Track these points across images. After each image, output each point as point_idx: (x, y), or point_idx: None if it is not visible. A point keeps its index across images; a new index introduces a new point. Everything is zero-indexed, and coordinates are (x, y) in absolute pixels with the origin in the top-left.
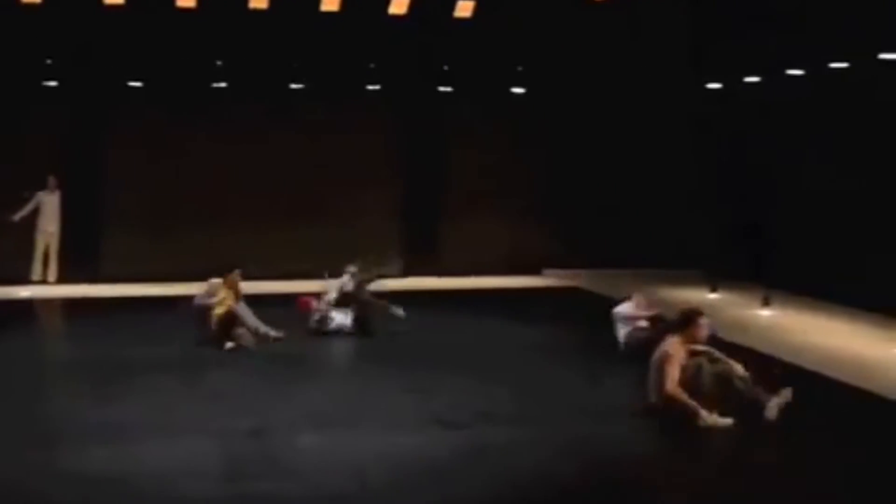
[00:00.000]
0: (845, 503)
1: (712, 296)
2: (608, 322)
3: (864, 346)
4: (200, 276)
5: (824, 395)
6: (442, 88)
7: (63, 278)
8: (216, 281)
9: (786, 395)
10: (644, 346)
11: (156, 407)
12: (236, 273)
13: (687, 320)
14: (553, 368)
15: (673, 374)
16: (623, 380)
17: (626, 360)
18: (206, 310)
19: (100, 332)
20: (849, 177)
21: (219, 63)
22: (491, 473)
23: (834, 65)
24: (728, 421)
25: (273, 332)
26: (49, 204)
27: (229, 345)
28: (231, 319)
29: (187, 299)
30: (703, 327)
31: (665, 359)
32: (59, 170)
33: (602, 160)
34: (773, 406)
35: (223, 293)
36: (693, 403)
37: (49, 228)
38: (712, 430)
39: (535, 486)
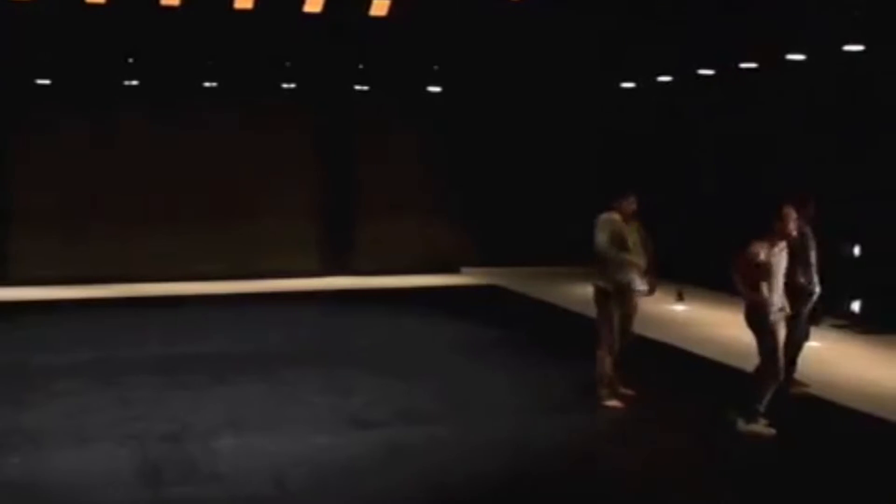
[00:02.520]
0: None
1: None
2: (526, 319)
3: None
4: (113, 279)
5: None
6: (357, 87)
7: None
8: None
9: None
10: None
11: (68, 413)
12: None
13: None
14: (471, 366)
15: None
16: (541, 376)
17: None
18: None
19: (8, 337)
20: (756, 174)
21: (130, 61)
22: (409, 472)
23: (743, 65)
24: (771, 431)
25: None
26: None
27: None
28: None
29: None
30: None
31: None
32: None
33: (519, 159)
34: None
35: None
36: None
37: None
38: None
39: (453, 484)
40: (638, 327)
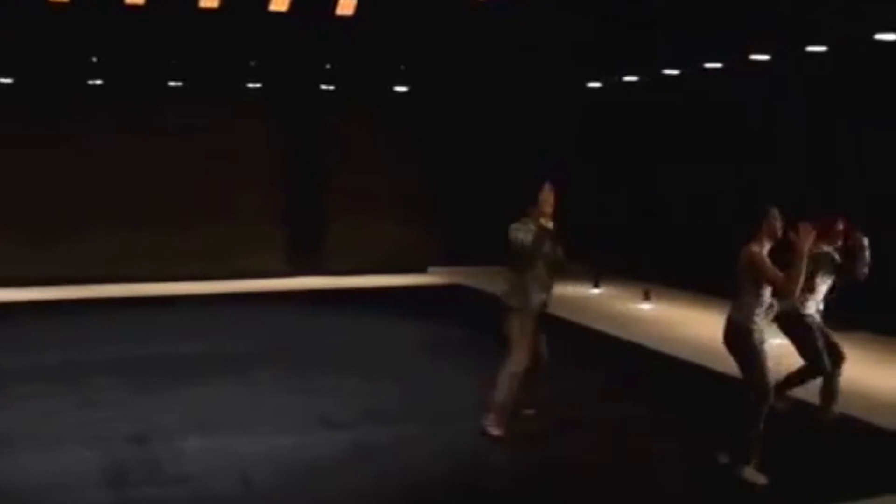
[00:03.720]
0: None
1: (595, 291)
2: (492, 318)
3: None
4: (77, 280)
5: (699, 383)
6: (324, 87)
7: None
8: None
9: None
10: None
11: (32, 416)
12: None
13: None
14: (438, 365)
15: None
16: None
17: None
18: None
19: None
20: (722, 174)
21: (94, 60)
22: (376, 472)
23: (708, 65)
24: (763, 481)
25: None
26: None
27: None
28: None
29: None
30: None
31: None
32: None
33: (485, 158)
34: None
35: None
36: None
37: None
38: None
39: (420, 483)
40: (606, 326)
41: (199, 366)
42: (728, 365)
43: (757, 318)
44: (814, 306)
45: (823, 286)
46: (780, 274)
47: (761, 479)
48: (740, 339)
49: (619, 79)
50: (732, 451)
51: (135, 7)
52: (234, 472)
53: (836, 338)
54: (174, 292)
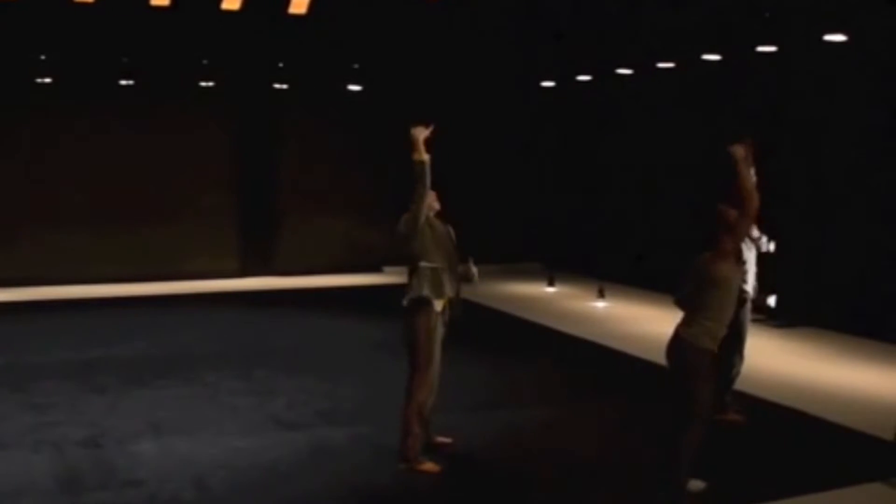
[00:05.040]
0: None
1: (550, 289)
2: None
3: None
4: (20, 281)
5: (653, 380)
6: (277, 86)
7: None
8: None
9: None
10: None
11: None
12: None
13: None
14: (394, 365)
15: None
16: (463, 374)
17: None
18: None
19: None
20: (677, 173)
21: (42, 58)
22: (331, 473)
23: (661, 64)
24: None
25: None
26: None
27: None
28: None
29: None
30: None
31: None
32: None
33: (440, 157)
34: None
35: None
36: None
37: None
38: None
39: (377, 484)
40: (560, 324)
41: (150, 368)
42: None
43: (715, 343)
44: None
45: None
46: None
47: (700, 485)
48: (696, 363)
49: (573, 78)
50: (669, 486)
51: (84, 4)
52: (189, 475)
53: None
54: (123, 294)
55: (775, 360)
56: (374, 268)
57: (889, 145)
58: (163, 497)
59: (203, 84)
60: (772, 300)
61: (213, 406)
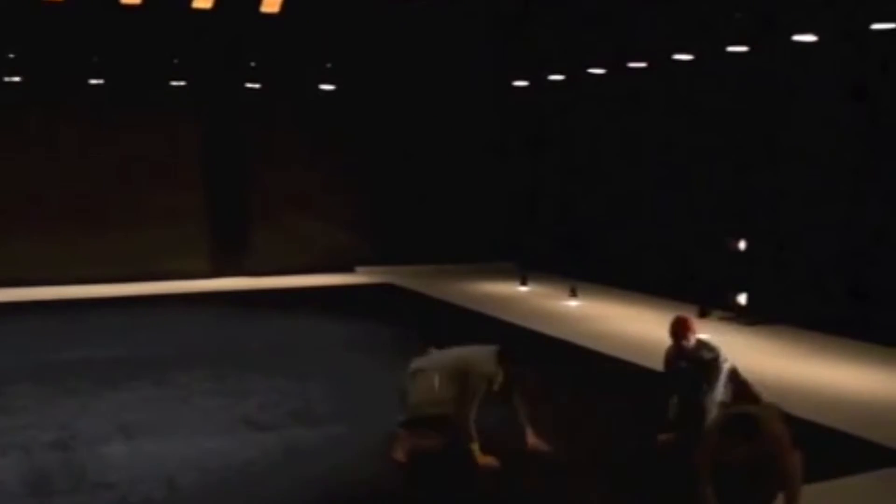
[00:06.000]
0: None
1: (523, 288)
2: (420, 317)
3: (660, 330)
4: None
5: (626, 379)
6: (249, 85)
7: None
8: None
9: None
10: None
11: None
12: None
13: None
14: (366, 365)
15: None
16: None
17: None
18: None
19: None
20: (649, 173)
21: (11, 56)
22: (302, 474)
23: (633, 64)
24: None
25: None
26: None
27: None
28: None
29: None
30: None
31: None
32: None
33: (412, 156)
34: None
35: None
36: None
37: None
38: None
39: (349, 485)
40: (533, 323)
41: (121, 370)
42: (655, 361)
43: None
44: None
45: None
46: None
47: None
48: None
49: (545, 77)
50: None
51: (54, 3)
52: (161, 477)
53: None
54: (93, 295)
55: (746, 358)
56: (347, 268)
57: (858, 145)
58: (134, 499)
59: (174, 83)
60: (742, 298)
61: (184, 407)
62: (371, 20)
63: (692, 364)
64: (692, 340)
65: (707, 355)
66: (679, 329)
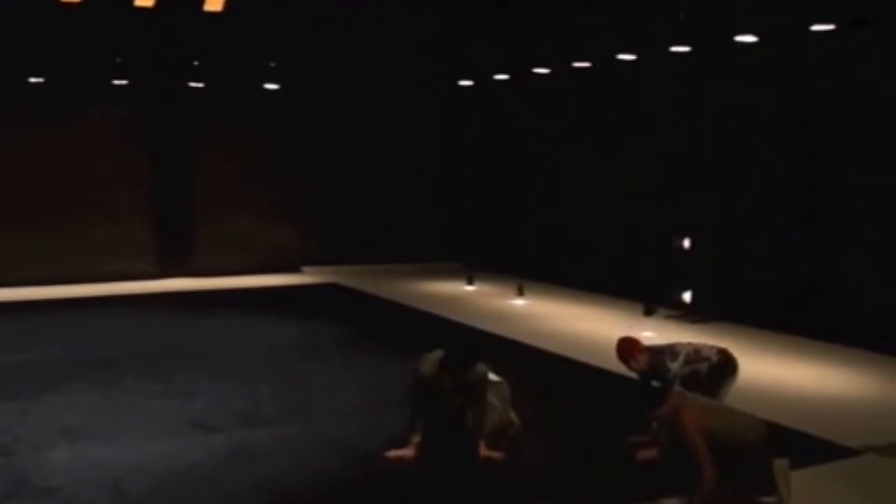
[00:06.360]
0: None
1: (469, 287)
2: (366, 316)
3: (607, 328)
4: None
5: (574, 377)
6: (193, 84)
7: None
8: None
9: None
10: None
11: None
12: None
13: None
14: (313, 365)
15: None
16: (383, 374)
17: (384, 354)
18: None
19: None
20: (591, 173)
21: None
22: (250, 476)
23: (577, 64)
24: None
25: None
26: None
27: None
28: None
29: None
30: None
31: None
32: None
33: (358, 156)
34: None
35: None
36: None
37: None
38: None
39: (298, 486)
40: (480, 322)
41: (64, 373)
42: (602, 359)
43: None
44: None
45: None
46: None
47: None
48: None
49: (490, 77)
50: None
51: None
52: (106, 481)
53: None
54: (35, 297)
55: None
56: (293, 268)
57: (799, 142)
58: None
59: (117, 82)
60: (687, 296)
61: (129, 410)
62: (315, 19)
63: (659, 380)
64: (641, 361)
65: (668, 366)
66: (623, 355)
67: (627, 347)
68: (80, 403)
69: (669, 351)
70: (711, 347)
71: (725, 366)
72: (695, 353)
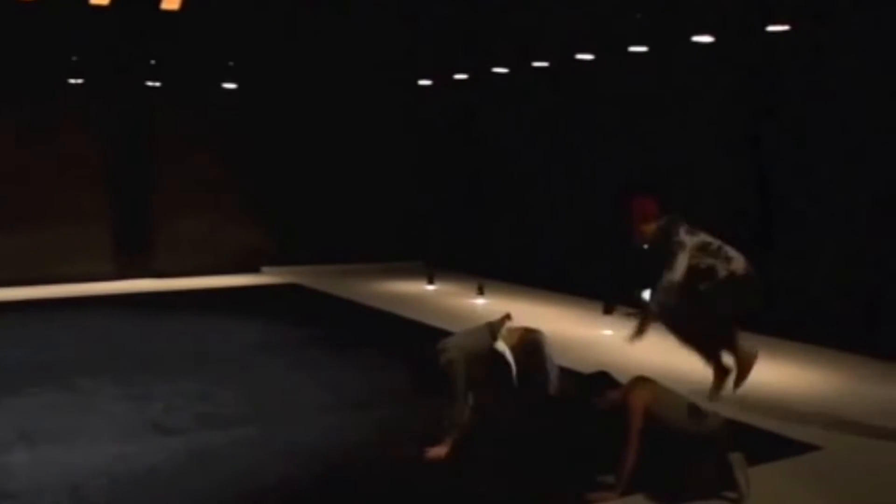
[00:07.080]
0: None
1: (430, 287)
2: (327, 317)
3: (566, 327)
4: None
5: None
6: (150, 83)
7: None
8: None
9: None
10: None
11: None
12: None
13: None
14: (273, 366)
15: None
16: (343, 374)
17: (345, 354)
18: None
19: None
20: (549, 172)
21: None
22: (214, 477)
23: (536, 63)
24: None
25: None
26: None
27: None
28: None
29: None
30: None
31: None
32: None
33: (319, 156)
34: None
35: None
36: None
37: None
38: None
39: (261, 487)
40: (439, 321)
41: (20, 375)
42: (567, 358)
43: None
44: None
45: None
46: None
47: None
48: None
49: (450, 76)
50: None
51: None
52: (64, 485)
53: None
54: None
55: (652, 353)
56: (253, 268)
57: (753, 141)
58: None
59: (72, 81)
60: (646, 294)
61: (88, 413)
62: (274, 18)
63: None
64: (652, 228)
65: (681, 236)
66: (636, 215)
67: (644, 209)
68: (39, 406)
69: (691, 230)
70: (746, 265)
71: (745, 285)
72: (718, 250)
